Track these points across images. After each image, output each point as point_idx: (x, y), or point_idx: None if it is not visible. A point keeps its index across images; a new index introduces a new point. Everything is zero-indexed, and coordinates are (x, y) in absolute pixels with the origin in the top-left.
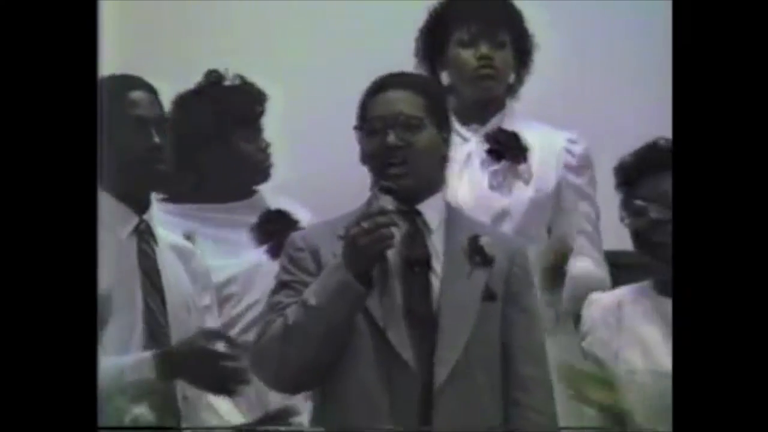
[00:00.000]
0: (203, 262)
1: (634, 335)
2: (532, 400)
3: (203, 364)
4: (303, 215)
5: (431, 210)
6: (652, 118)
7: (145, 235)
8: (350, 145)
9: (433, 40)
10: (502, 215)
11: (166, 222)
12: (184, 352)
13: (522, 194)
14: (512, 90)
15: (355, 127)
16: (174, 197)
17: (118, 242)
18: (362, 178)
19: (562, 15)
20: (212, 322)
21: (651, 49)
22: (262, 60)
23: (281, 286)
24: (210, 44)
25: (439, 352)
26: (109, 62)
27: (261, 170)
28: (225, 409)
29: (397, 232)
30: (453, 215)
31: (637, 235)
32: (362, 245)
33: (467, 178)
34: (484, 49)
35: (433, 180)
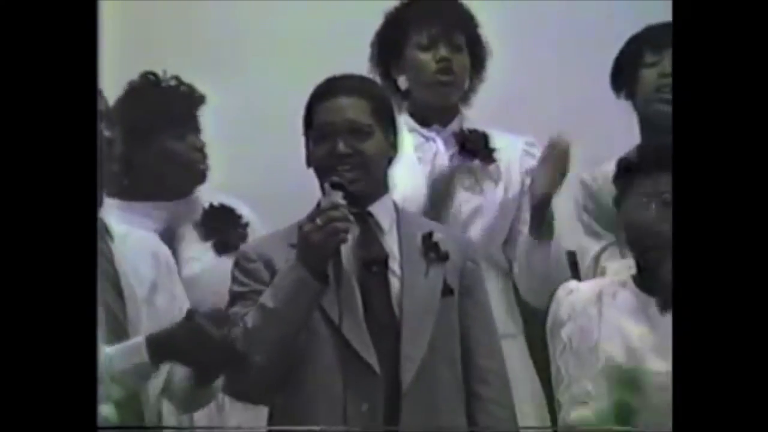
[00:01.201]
0: (166, 252)
1: (614, 327)
2: (493, 393)
3: (197, 343)
4: (243, 211)
5: (382, 211)
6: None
7: (99, 232)
8: (295, 148)
9: (390, 43)
10: (474, 214)
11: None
12: (178, 333)
13: (493, 194)
14: (466, 96)
15: (304, 131)
16: (118, 194)
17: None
18: (307, 180)
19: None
20: (182, 305)
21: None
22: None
23: (236, 297)
24: (210, 44)
25: (404, 351)
26: (109, 62)
27: (196, 170)
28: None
29: (351, 228)
30: (402, 215)
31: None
32: (316, 240)
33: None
34: (443, 51)
35: (382, 182)
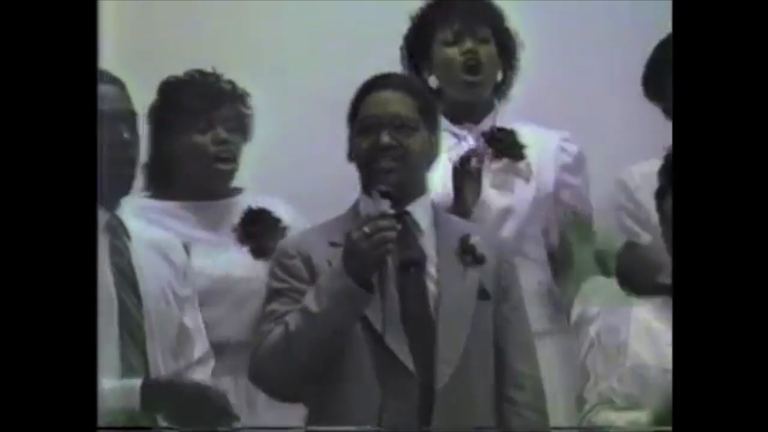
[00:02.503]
0: (183, 253)
1: (644, 328)
2: (526, 398)
3: (191, 401)
4: (284, 212)
5: (420, 211)
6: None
7: (117, 230)
8: (334, 144)
9: (418, 44)
10: (505, 214)
11: (147, 218)
12: (173, 386)
13: (524, 193)
14: (500, 90)
15: (349, 125)
16: (156, 193)
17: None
18: (347, 176)
19: (555, 14)
20: (192, 313)
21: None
22: (249, 59)
23: (274, 294)
24: (210, 43)
25: (440, 354)
26: (109, 61)
27: (218, 168)
28: None
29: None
30: (439, 216)
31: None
32: (364, 249)
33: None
34: (468, 44)
35: (422, 182)
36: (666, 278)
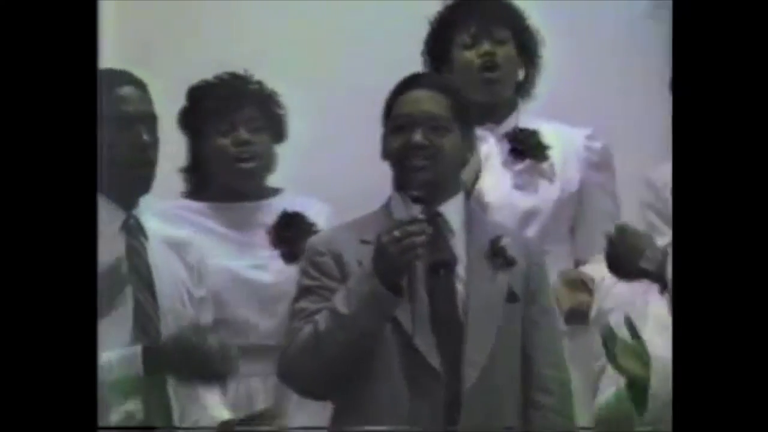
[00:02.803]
0: (199, 254)
1: (661, 323)
2: (553, 401)
3: (191, 359)
4: (320, 213)
5: (452, 212)
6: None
7: (133, 230)
8: (367, 143)
9: (437, 48)
10: (530, 215)
11: (181, 218)
12: (173, 347)
13: (548, 193)
14: (522, 89)
15: (382, 121)
16: (193, 195)
17: (104, 239)
18: (380, 175)
19: (565, 15)
20: (207, 313)
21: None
22: (276, 60)
23: (305, 291)
24: (209, 44)
25: (467, 356)
26: (109, 61)
27: (240, 168)
28: (212, 404)
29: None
30: (472, 217)
31: None
32: (393, 253)
33: (489, 178)
34: (485, 46)
35: (454, 182)
36: (648, 264)
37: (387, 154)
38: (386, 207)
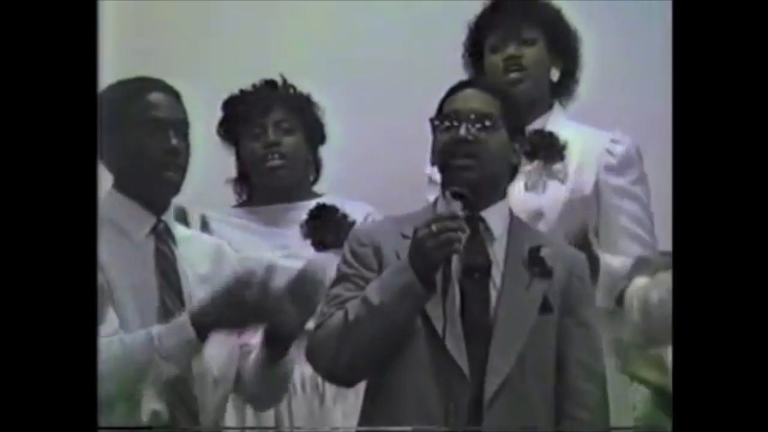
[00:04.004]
0: (233, 259)
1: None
2: (587, 416)
3: (238, 309)
4: (360, 209)
5: (495, 217)
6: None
7: (163, 235)
8: (411, 147)
9: (472, 51)
10: (536, 216)
11: (232, 226)
12: (218, 303)
13: (557, 195)
14: (559, 90)
15: (430, 120)
16: (240, 205)
17: (133, 244)
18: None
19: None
20: None
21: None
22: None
23: (341, 278)
24: (211, 45)
25: (491, 362)
26: (109, 61)
27: (268, 167)
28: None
29: (464, 238)
30: (516, 225)
31: None
32: (429, 247)
33: None
34: (510, 50)
35: (499, 185)
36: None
37: (434, 154)
38: (433, 206)
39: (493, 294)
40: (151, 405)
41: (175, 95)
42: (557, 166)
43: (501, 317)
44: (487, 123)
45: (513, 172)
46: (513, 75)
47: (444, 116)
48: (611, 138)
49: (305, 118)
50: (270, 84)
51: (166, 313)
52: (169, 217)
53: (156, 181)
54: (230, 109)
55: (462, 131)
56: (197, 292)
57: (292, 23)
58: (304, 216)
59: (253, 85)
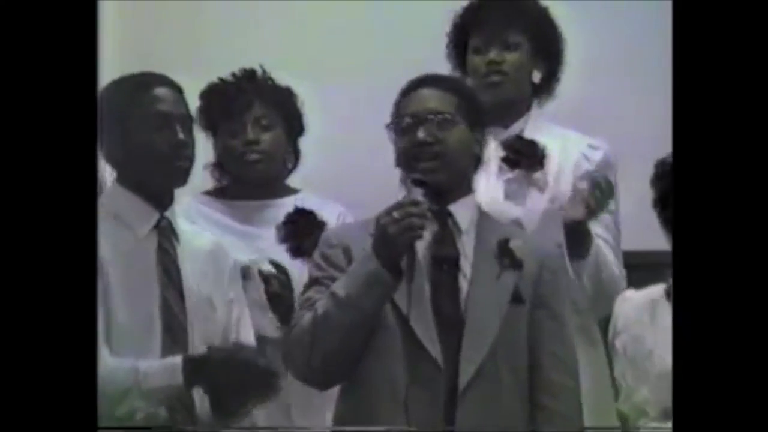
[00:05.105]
0: (230, 257)
1: (669, 334)
2: (560, 406)
3: (234, 375)
4: (334, 210)
5: (462, 211)
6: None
7: (165, 231)
8: (386, 146)
9: (455, 48)
10: (515, 224)
11: (203, 215)
12: (216, 360)
13: (536, 204)
14: (541, 89)
15: (387, 126)
16: (214, 192)
17: (136, 239)
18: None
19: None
20: (237, 313)
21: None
22: (293, 58)
23: (313, 282)
24: (210, 44)
25: (465, 352)
26: (109, 62)
27: (246, 161)
28: None
29: (428, 224)
30: (484, 218)
31: None
32: (392, 233)
33: (484, 184)
34: (492, 54)
35: (465, 179)
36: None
37: (397, 158)
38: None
39: (464, 285)
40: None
41: (178, 90)
42: (537, 175)
43: (472, 308)
44: (446, 121)
45: (477, 164)
46: (493, 78)
47: (400, 119)
48: (589, 144)
49: (285, 112)
50: (249, 74)
51: (166, 310)
52: (171, 213)
53: (164, 175)
54: (209, 100)
55: (421, 134)
56: (197, 292)
57: (281, 18)
58: (280, 215)
59: (233, 74)
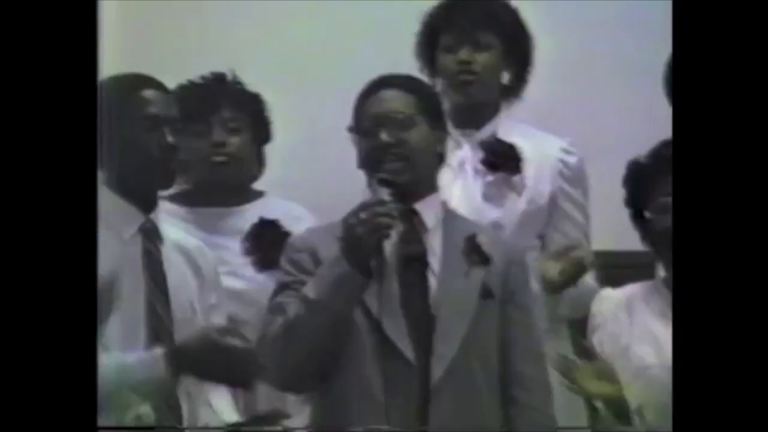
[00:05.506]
0: (211, 262)
1: (646, 331)
2: (531, 399)
3: (217, 359)
4: (300, 216)
5: (428, 209)
6: (649, 121)
7: (150, 234)
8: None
9: (425, 46)
10: (494, 227)
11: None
12: (197, 348)
13: (514, 206)
14: (509, 91)
15: (349, 128)
16: (176, 197)
17: (121, 241)
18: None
19: (560, 17)
20: (218, 320)
21: (650, 50)
22: (262, 61)
23: (281, 287)
24: (209, 44)
25: (435, 347)
26: (109, 62)
27: (212, 162)
28: (221, 406)
29: (395, 224)
30: (450, 216)
31: (657, 233)
32: (360, 234)
33: (461, 186)
34: (463, 54)
35: (430, 178)
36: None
37: (361, 161)
38: None
39: (433, 283)
40: (137, 408)
41: (167, 92)
42: (516, 178)
43: (442, 304)
44: (407, 122)
45: (440, 162)
46: (464, 77)
47: (361, 123)
48: (562, 147)
49: (253, 117)
50: (218, 77)
51: (151, 313)
52: (156, 215)
53: (152, 178)
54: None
55: (383, 136)
56: (180, 296)
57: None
58: (245, 224)
59: (202, 77)
